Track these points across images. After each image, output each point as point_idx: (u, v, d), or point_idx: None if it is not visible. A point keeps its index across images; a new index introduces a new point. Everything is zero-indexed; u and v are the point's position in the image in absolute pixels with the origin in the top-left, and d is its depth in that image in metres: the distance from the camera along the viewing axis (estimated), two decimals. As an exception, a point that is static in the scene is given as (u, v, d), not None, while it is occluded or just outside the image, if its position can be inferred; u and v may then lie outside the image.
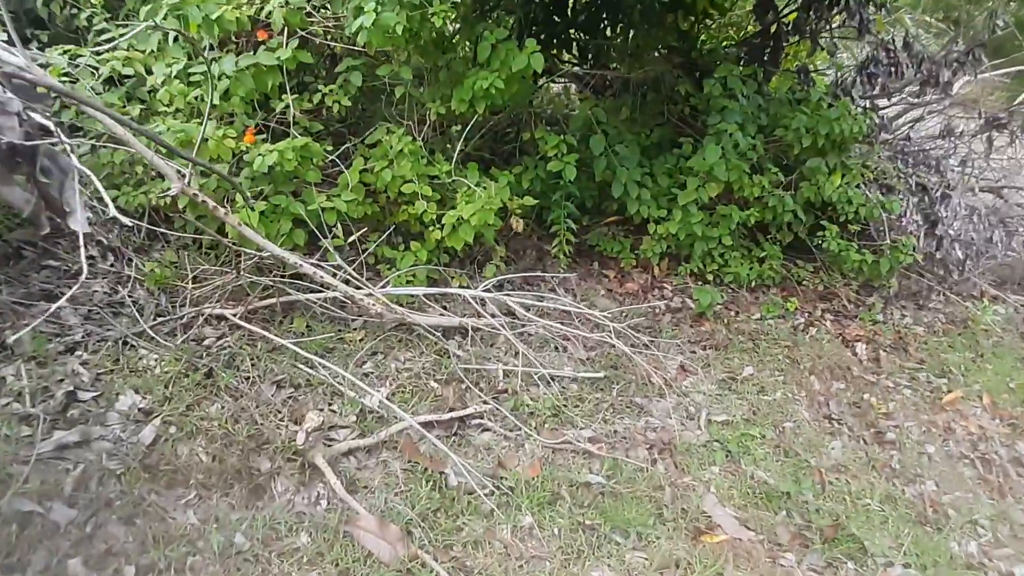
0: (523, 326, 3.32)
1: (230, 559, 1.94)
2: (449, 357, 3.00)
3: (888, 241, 4.33)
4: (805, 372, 3.56)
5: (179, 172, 2.37)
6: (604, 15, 4.75)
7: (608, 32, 4.85)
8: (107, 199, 1.92)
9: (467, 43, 3.79)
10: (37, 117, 1.59)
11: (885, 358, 3.92)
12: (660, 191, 4.16)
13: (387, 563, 2.01)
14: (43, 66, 3.01)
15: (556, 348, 3.31)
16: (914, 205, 4.59)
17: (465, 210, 3.26)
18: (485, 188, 3.49)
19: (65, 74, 3.09)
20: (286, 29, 3.18)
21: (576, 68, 5.06)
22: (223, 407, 2.43)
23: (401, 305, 3.21)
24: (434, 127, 3.74)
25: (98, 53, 3.18)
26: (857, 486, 2.74)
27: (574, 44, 5.02)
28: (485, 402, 2.78)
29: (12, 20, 2.23)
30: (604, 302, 3.87)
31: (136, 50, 3.26)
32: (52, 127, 1.61)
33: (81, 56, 3.10)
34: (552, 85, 5.44)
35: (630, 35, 4.67)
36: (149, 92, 3.22)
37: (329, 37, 3.44)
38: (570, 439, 2.67)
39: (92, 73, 3.14)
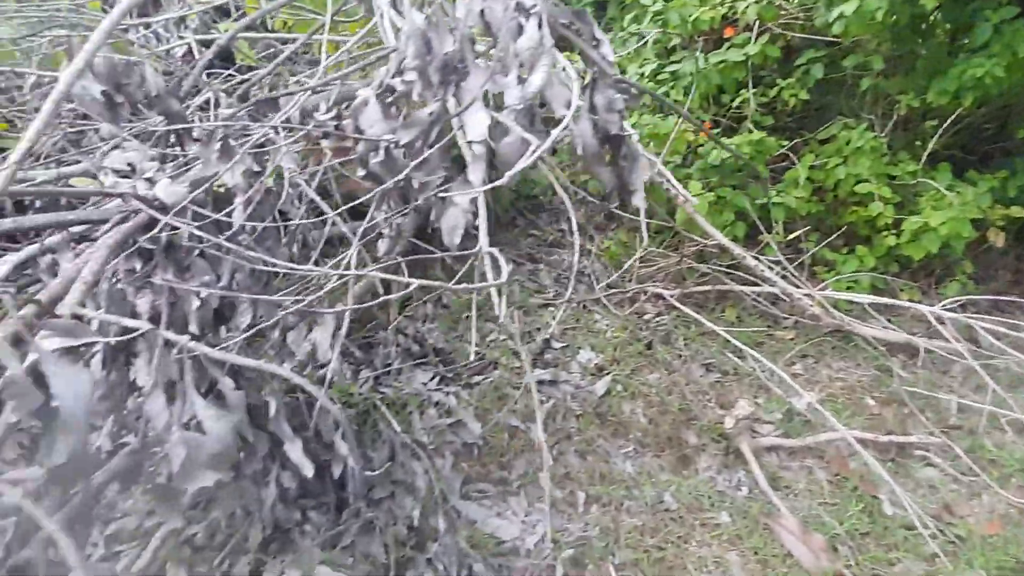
0: (989, 357, 2.81)
1: (658, 514, 2.14)
2: (892, 376, 2.73)
3: None
4: None
5: (649, 160, 2.64)
6: None
7: None
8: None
9: (946, 25, 3.30)
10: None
11: None
12: None
13: (808, 570, 1.96)
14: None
15: (1035, 391, 2.73)
16: None
17: (933, 217, 2.88)
18: (959, 193, 3.03)
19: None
20: (755, 24, 3.24)
21: None
22: (660, 377, 2.67)
23: (839, 311, 3.03)
24: (901, 122, 3.38)
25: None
26: None
27: None
28: (932, 434, 2.46)
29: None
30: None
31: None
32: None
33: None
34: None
35: None
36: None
37: (794, 29, 3.38)
38: (1047, 504, 2.19)
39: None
